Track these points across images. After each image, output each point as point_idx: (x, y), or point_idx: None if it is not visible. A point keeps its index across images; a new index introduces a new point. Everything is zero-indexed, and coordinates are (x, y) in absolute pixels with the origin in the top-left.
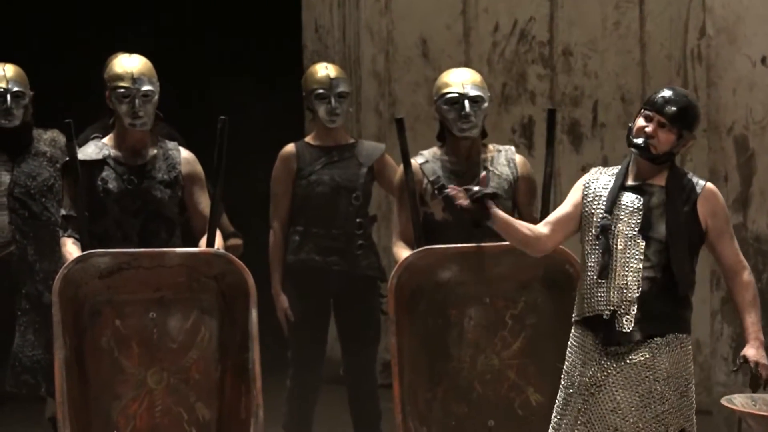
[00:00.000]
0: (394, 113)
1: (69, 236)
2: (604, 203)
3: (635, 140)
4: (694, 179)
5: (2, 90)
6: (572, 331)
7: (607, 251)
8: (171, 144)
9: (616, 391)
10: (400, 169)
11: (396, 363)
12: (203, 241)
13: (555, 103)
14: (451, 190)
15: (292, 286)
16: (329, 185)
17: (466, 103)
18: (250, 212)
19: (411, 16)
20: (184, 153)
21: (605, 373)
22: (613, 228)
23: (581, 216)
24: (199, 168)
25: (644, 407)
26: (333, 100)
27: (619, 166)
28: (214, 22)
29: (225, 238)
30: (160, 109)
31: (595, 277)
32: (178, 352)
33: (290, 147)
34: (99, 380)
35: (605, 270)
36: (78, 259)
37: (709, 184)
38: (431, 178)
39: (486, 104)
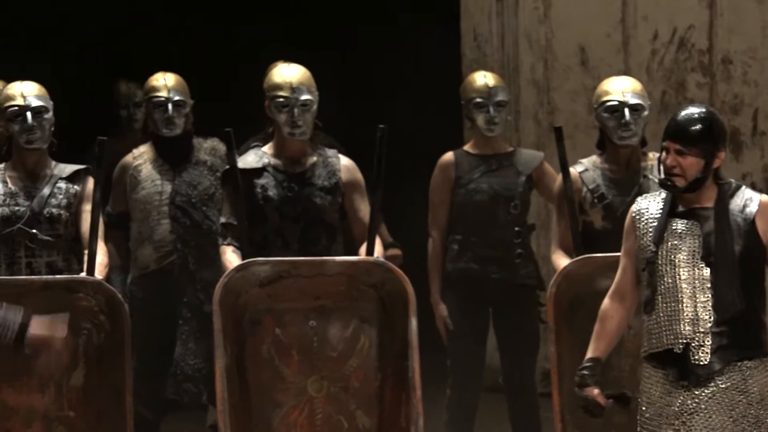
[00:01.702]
0: (552, 122)
1: (229, 244)
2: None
3: (660, 179)
4: (748, 193)
5: (163, 99)
6: (643, 364)
7: (651, 286)
8: (330, 151)
9: (710, 417)
10: (559, 177)
11: (555, 372)
12: (363, 249)
13: None
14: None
15: (451, 295)
16: (488, 194)
17: (626, 111)
18: (409, 221)
19: (570, 25)
20: (344, 160)
21: (696, 400)
22: (673, 258)
23: (636, 252)
24: (359, 175)
25: None
26: (491, 109)
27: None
28: (373, 30)
29: (384, 248)
30: (319, 118)
31: (660, 312)
32: (338, 360)
33: (449, 155)
34: (259, 388)
35: (649, 305)
36: (238, 268)
37: (765, 197)
38: (591, 187)
39: (646, 112)
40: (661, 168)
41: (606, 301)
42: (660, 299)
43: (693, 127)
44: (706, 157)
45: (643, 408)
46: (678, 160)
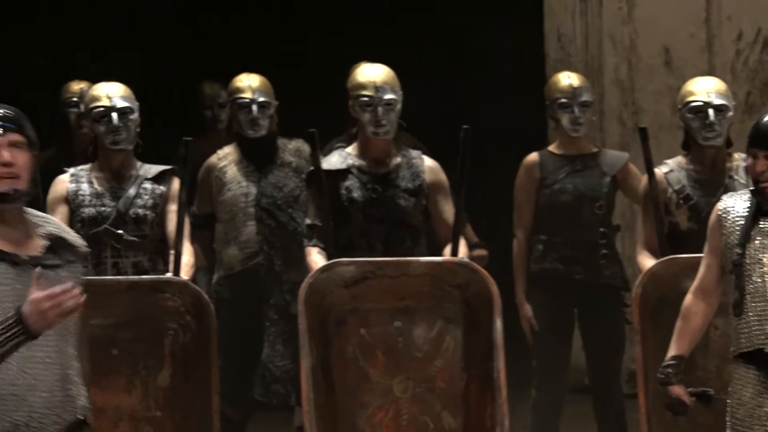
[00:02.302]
0: (637, 122)
1: (314, 245)
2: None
3: (752, 189)
4: None
5: (248, 100)
6: (733, 365)
7: (738, 288)
8: (414, 152)
9: None
10: (645, 178)
11: (641, 373)
12: (447, 249)
13: None
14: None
15: (536, 295)
16: (573, 194)
17: (711, 111)
18: (493, 221)
19: (654, 25)
20: (428, 161)
21: None
22: (761, 257)
23: (722, 251)
24: (443, 176)
25: None
26: (576, 110)
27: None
28: (457, 30)
29: (470, 248)
30: (403, 118)
31: (749, 312)
32: (423, 360)
33: (533, 156)
34: (345, 389)
35: (738, 307)
36: (323, 268)
37: None
38: (676, 188)
39: (731, 113)
40: (749, 177)
41: (689, 298)
42: (749, 299)
43: None
44: None
45: (734, 409)
46: None
